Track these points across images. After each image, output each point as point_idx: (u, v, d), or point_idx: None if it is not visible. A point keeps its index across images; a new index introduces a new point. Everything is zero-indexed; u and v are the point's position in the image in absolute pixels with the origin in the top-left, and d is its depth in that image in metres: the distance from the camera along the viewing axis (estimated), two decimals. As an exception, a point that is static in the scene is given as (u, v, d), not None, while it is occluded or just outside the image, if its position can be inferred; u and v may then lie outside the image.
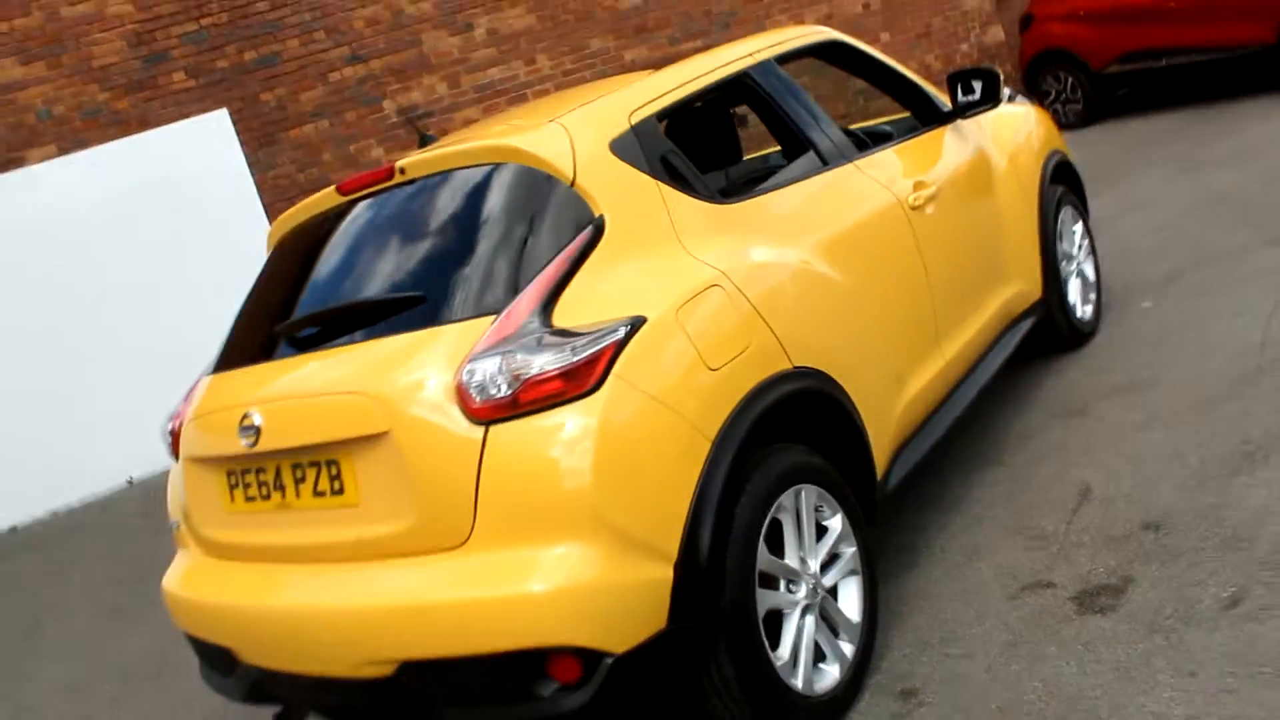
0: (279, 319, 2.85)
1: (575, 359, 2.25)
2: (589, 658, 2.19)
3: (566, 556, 2.19)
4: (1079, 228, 4.71)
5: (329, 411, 2.43)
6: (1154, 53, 8.95)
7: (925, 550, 3.36)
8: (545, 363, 2.24)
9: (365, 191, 2.90)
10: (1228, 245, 5.31)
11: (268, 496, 2.62)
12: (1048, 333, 4.41)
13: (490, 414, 2.25)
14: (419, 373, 2.35)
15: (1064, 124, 10.09)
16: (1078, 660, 2.61)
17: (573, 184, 2.59)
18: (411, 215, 2.79)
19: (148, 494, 7.67)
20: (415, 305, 2.51)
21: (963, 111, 3.95)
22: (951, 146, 3.87)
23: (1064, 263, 4.48)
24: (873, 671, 2.81)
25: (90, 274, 8.07)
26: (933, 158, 3.74)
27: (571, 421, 2.23)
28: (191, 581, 2.90)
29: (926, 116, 4.01)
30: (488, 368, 2.25)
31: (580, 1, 9.69)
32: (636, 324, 2.34)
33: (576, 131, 2.69)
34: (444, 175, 2.75)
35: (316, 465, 2.48)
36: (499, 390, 2.24)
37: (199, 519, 2.87)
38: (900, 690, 2.72)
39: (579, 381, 2.24)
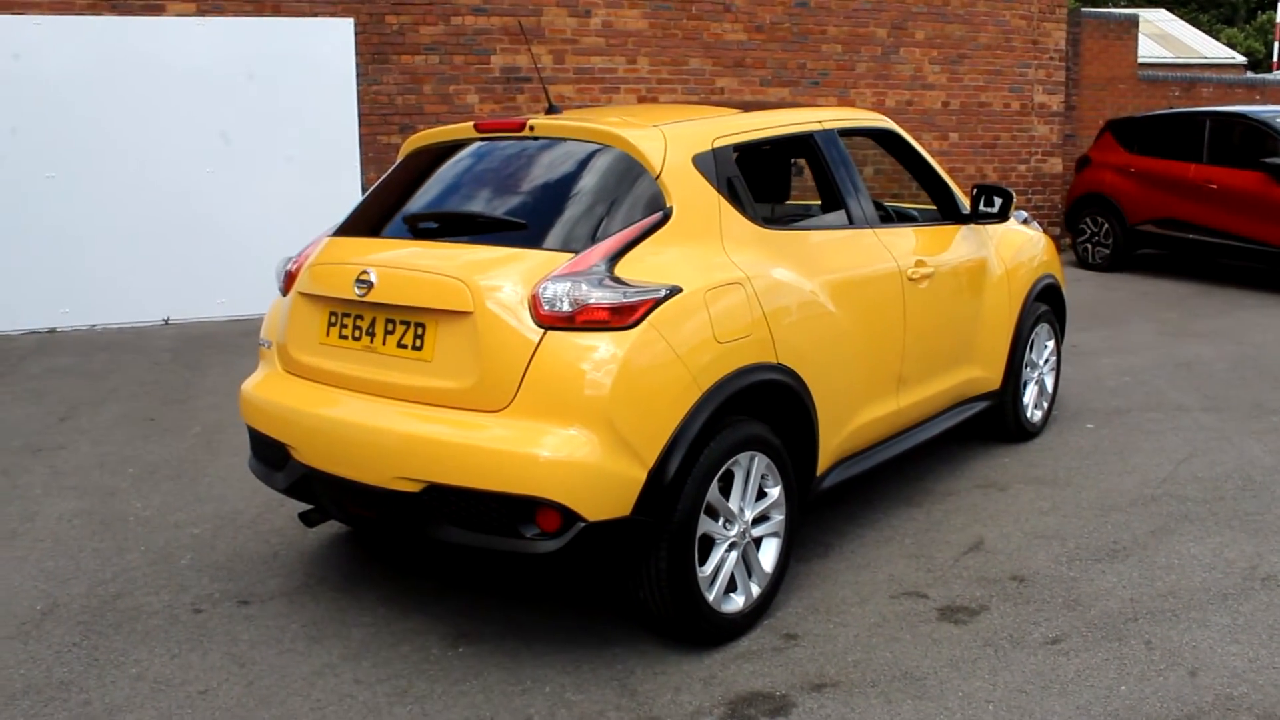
0: (404, 210, 3.61)
1: (623, 301, 2.99)
2: (568, 516, 2.92)
3: (575, 437, 2.93)
4: (1050, 344, 5.46)
5: (431, 286, 3.16)
6: (1185, 225, 9.71)
7: (837, 548, 4.09)
8: (601, 297, 2.99)
9: (496, 134, 3.65)
10: (1175, 401, 6.07)
11: (358, 338, 3.35)
12: (997, 421, 5.14)
13: (550, 321, 3.00)
14: (506, 278, 3.09)
15: (1090, 264, 10.88)
16: (925, 649, 3.34)
17: (657, 177, 3.34)
18: (529, 162, 3.54)
19: (182, 334, 8.42)
20: (516, 229, 3.27)
21: (976, 218, 4.70)
22: (959, 242, 4.63)
23: (1028, 368, 5.23)
24: (767, 616, 3.53)
25: (189, 129, 8.83)
26: (940, 246, 4.49)
27: (607, 345, 2.97)
28: (269, 388, 3.64)
29: (947, 213, 4.76)
30: (559, 289, 3.00)
31: (695, 22, 10.46)
32: (674, 291, 3.09)
33: (670, 140, 3.45)
34: (563, 141, 3.51)
35: (406, 324, 3.22)
36: (562, 307, 2.98)
37: (293, 343, 3.60)
38: (784, 634, 3.45)
39: (621, 318, 2.99)
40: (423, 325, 3.19)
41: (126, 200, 8.75)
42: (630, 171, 3.34)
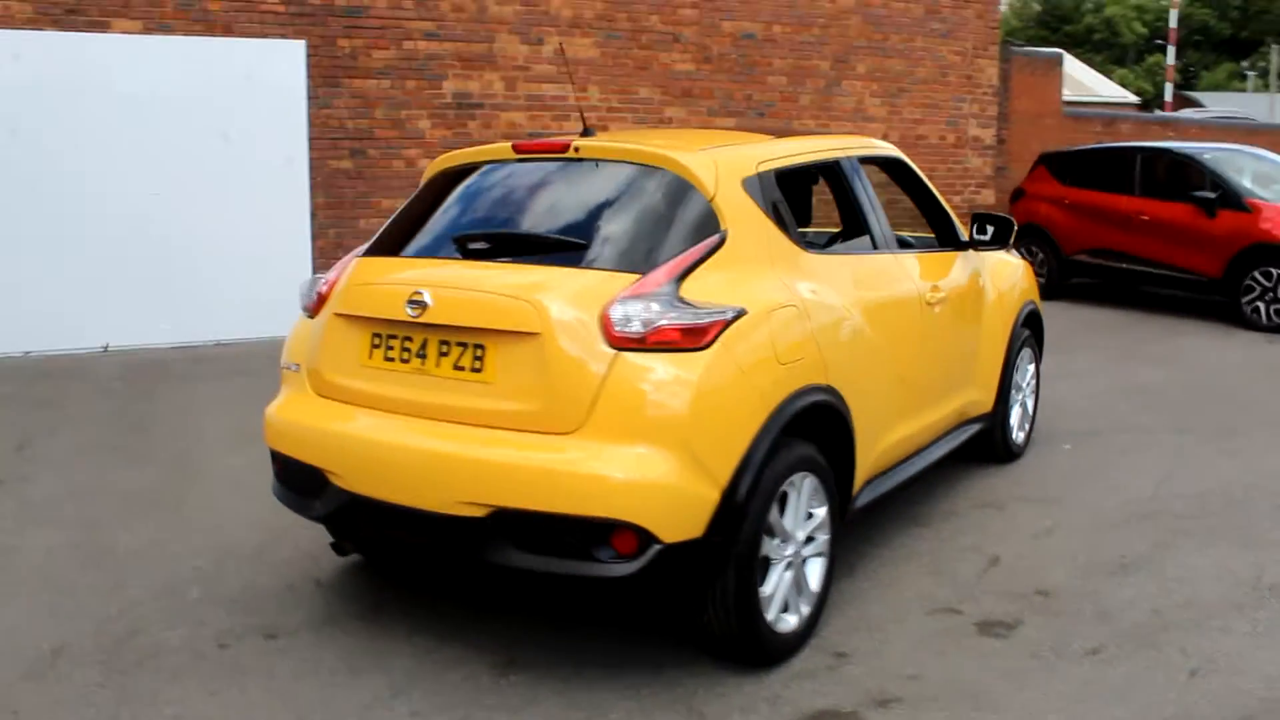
0: (448, 230, 3.55)
1: (696, 322, 3.00)
2: (645, 538, 2.89)
3: (653, 458, 2.91)
4: (1031, 368, 5.64)
5: (494, 307, 3.12)
6: (1119, 255, 10.13)
7: (861, 568, 4.14)
8: (674, 319, 2.99)
9: (536, 155, 3.63)
10: (1140, 423, 6.30)
11: (406, 360, 3.28)
12: (986, 443, 5.27)
13: (622, 343, 2.98)
14: (573, 299, 3.06)
15: (1023, 292, 11.24)
16: (974, 663, 3.40)
17: (711, 200, 3.36)
18: (577, 183, 3.52)
19: (126, 361, 8.11)
20: (575, 249, 3.25)
21: (976, 245, 4.83)
22: (960, 268, 4.75)
23: (1014, 391, 5.38)
24: (814, 636, 3.55)
25: (133, 149, 8.56)
26: (947, 271, 4.61)
27: (683, 366, 2.97)
28: (301, 412, 3.53)
29: (946, 240, 4.89)
30: (630, 310, 2.99)
31: (645, 52, 10.56)
32: (740, 312, 3.11)
33: (720, 163, 3.47)
34: (610, 163, 3.50)
35: (464, 345, 3.16)
36: (634, 328, 2.97)
37: (328, 365, 3.50)
38: (833, 652, 3.47)
39: (694, 339, 2.99)
40: (482, 346, 3.14)
41: (65, 222, 8.42)
42: (684, 194, 3.35)
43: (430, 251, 3.57)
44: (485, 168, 3.76)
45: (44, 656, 3.49)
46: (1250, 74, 43.71)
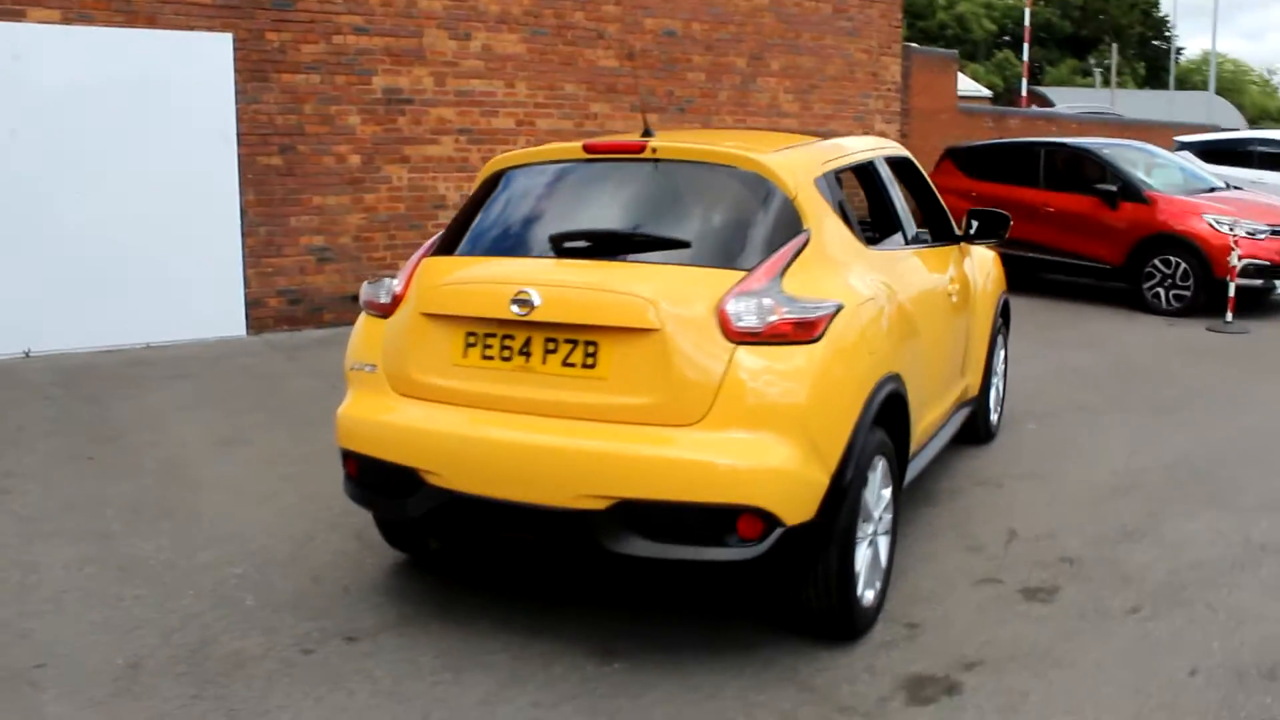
0: (534, 230, 3.61)
1: (808, 316, 3.16)
2: (769, 522, 3.05)
3: (775, 446, 3.07)
4: (1002, 354, 6.01)
5: (610, 305, 3.21)
6: (1025, 244, 10.73)
7: (898, 546, 4.37)
8: (786, 313, 3.14)
9: (609, 156, 3.72)
10: (1086, 403, 6.78)
11: (508, 358, 3.34)
12: (969, 425, 5.60)
13: (740, 337, 3.12)
14: (689, 296, 3.19)
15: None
16: (1031, 626, 3.68)
17: (794, 199, 3.52)
18: (662, 183, 3.63)
19: (56, 366, 7.75)
20: (676, 247, 3.37)
21: (970, 238, 5.14)
22: (960, 261, 5.05)
23: (993, 375, 5.74)
24: (884, 609, 3.77)
25: (51, 145, 8.17)
26: (954, 264, 4.90)
27: (799, 357, 3.14)
28: (386, 412, 3.54)
29: (941, 235, 5.17)
30: (746, 305, 3.13)
31: (570, 48, 10.62)
32: (839, 307, 3.28)
33: (796, 164, 3.65)
34: (691, 164, 3.63)
35: (573, 343, 3.24)
36: (750, 322, 3.12)
37: (414, 365, 3.51)
38: (904, 623, 3.69)
39: (806, 332, 3.15)
40: (594, 344, 3.22)
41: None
42: (769, 193, 3.51)
43: (521, 250, 3.62)
44: (556, 167, 3.83)
45: (122, 671, 3.41)
46: (1097, 70, 46.45)
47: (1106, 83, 44.50)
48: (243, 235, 9.06)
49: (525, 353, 3.32)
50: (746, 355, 3.11)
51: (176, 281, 8.69)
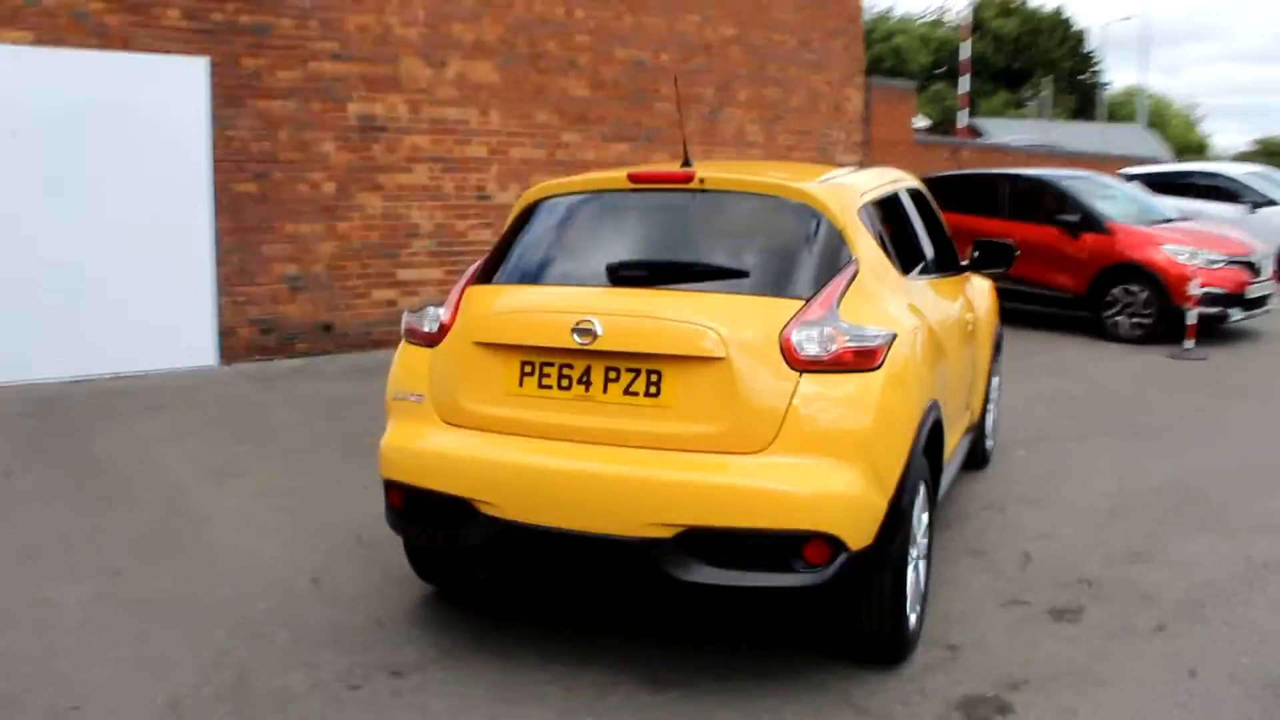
0: (585, 258, 3.64)
1: (868, 345, 3.23)
2: (836, 547, 3.10)
3: (840, 471, 3.12)
4: (996, 381, 6.15)
5: (675, 334, 3.24)
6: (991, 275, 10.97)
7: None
8: (848, 341, 3.20)
9: (655, 185, 3.76)
10: (1068, 428, 6.96)
11: (566, 387, 3.35)
12: (970, 450, 5.72)
13: (804, 366, 3.18)
14: (753, 325, 3.24)
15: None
16: (1064, 645, 3.77)
17: (842, 230, 3.60)
18: (713, 213, 3.69)
19: (26, 398, 7.55)
20: (737, 276, 3.43)
21: (979, 268, 5.27)
22: (968, 290, 5.18)
23: (990, 402, 5.87)
24: (921, 632, 3.83)
25: (21, 170, 7.99)
26: (964, 293, 5.02)
27: (862, 385, 3.20)
28: (438, 443, 3.52)
29: (947, 265, 5.29)
30: (809, 334, 3.19)
31: (543, 76, 10.68)
32: (894, 335, 3.36)
33: (841, 194, 3.74)
34: (739, 194, 3.69)
35: (635, 371, 3.26)
36: (814, 350, 3.18)
37: (466, 394, 3.51)
38: (944, 645, 3.76)
39: (867, 360, 3.22)
40: (657, 372, 3.25)
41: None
42: (819, 223, 3.58)
43: (575, 279, 3.64)
44: (600, 196, 3.87)
45: (163, 711, 3.35)
46: (1033, 102, 47.81)
47: (1040, 114, 45.81)
48: (216, 263, 8.92)
49: (585, 381, 3.33)
50: (810, 383, 3.17)
51: (147, 310, 8.53)
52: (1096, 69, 55.46)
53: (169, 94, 8.59)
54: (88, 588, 4.29)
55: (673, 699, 3.40)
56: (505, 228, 4.02)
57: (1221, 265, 9.77)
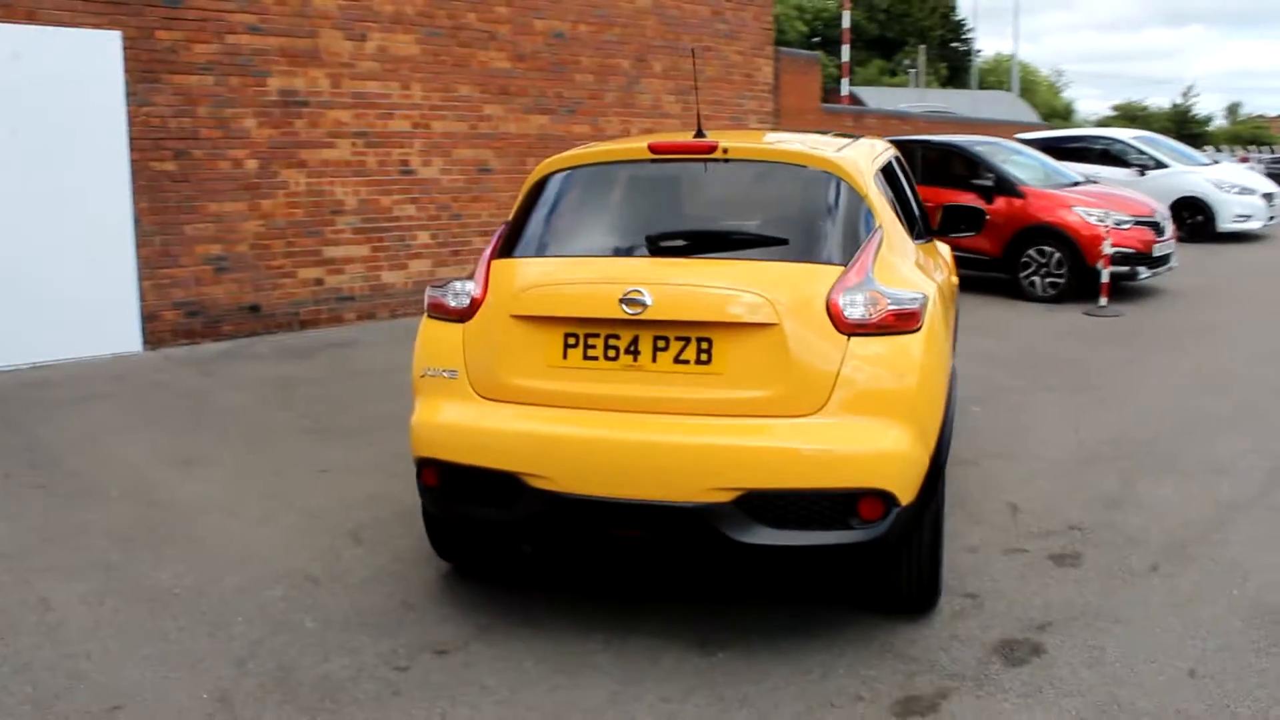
0: (623, 228, 3.65)
1: (909, 307, 3.34)
2: (889, 502, 3.21)
3: (890, 429, 3.23)
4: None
5: (726, 301, 3.29)
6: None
7: (919, 524, 4.63)
8: (890, 304, 3.30)
9: (676, 156, 3.79)
10: (1013, 385, 7.27)
11: (613, 358, 3.37)
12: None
13: (851, 329, 3.27)
14: (801, 291, 3.31)
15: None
16: (1072, 588, 3.98)
17: (865, 197, 3.70)
18: (740, 182, 3.74)
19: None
20: (777, 244, 3.49)
21: (944, 232, 5.46)
22: (942, 255, 5.36)
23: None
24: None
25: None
26: (940, 256, 5.20)
27: (906, 346, 3.31)
28: (476, 418, 3.49)
29: (919, 231, 5.46)
30: (855, 298, 3.28)
31: (464, 49, 10.51)
32: (927, 297, 3.47)
33: (859, 163, 3.82)
34: (764, 164, 3.74)
35: (685, 340, 3.30)
36: (862, 314, 3.27)
37: (506, 369, 3.48)
38: (962, 594, 3.93)
39: (908, 322, 3.33)
40: (708, 340, 3.29)
41: None
42: (845, 191, 3.66)
43: (612, 250, 3.66)
44: (621, 167, 3.87)
45: (213, 706, 3.27)
46: (911, 70, 49.04)
47: (915, 83, 47.04)
48: (136, 246, 8.56)
49: (633, 351, 3.36)
50: (859, 345, 3.27)
51: (66, 296, 8.15)
52: (967, 37, 57.24)
53: (81, 69, 8.17)
54: (87, 585, 4.13)
55: (725, 659, 3.48)
56: (519, 201, 3.99)
57: (1130, 225, 10.29)
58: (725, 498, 3.19)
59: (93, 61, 8.23)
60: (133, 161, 8.50)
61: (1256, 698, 3.21)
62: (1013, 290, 10.74)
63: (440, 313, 3.72)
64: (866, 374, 3.26)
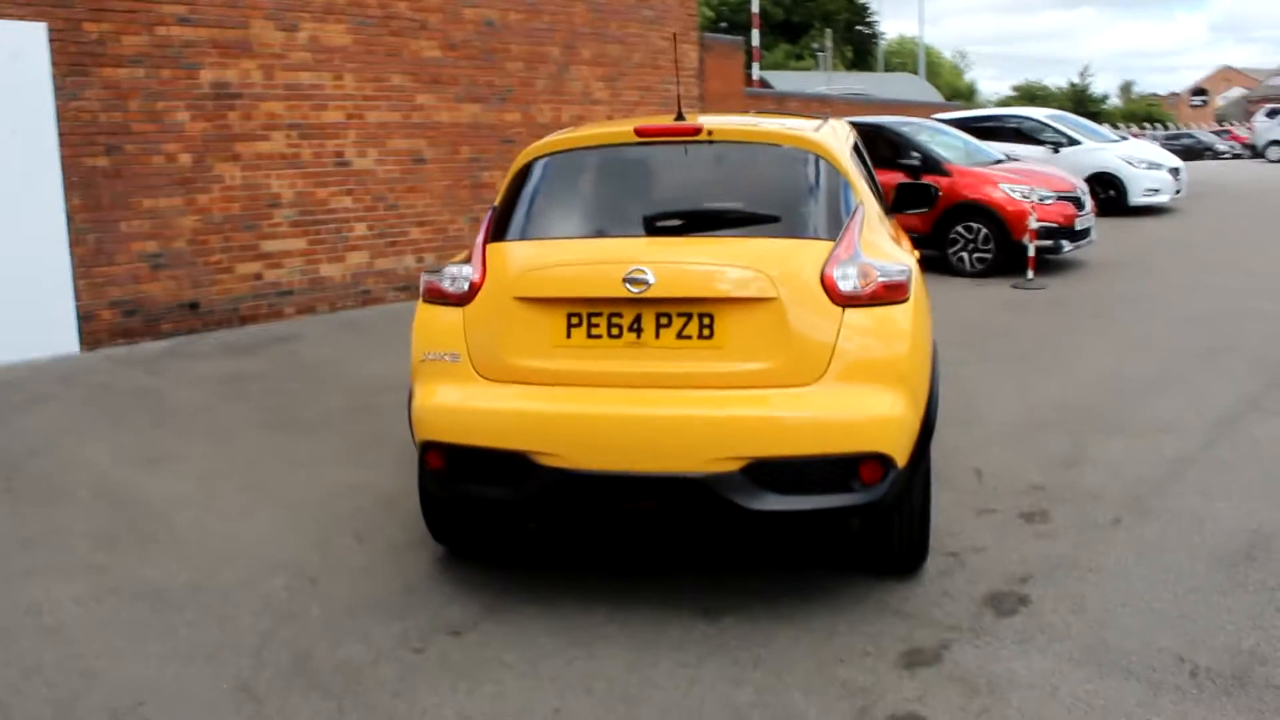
0: (617, 209, 3.76)
1: (897, 279, 3.51)
2: (887, 465, 3.38)
3: (885, 395, 3.40)
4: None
5: (730, 278, 3.42)
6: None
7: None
8: (879, 276, 3.47)
9: (662, 139, 3.90)
10: (953, 354, 7.46)
11: (616, 335, 3.47)
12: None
13: (845, 301, 3.43)
14: (797, 266, 3.45)
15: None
16: (1045, 543, 4.22)
17: (846, 175, 3.86)
18: (727, 162, 3.88)
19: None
20: (770, 221, 3.63)
21: (898, 209, 5.66)
22: (903, 231, 5.56)
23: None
24: (919, 544, 4.19)
25: None
26: (903, 232, 5.40)
27: (897, 315, 3.49)
28: (483, 399, 3.57)
29: (885, 208, 5.65)
30: (849, 271, 3.44)
31: (395, 38, 10.45)
32: (910, 270, 3.65)
33: (836, 142, 3.99)
34: (747, 144, 3.88)
35: (687, 316, 3.42)
36: (854, 287, 3.43)
37: (509, 350, 3.56)
38: (944, 553, 4.14)
39: (897, 293, 3.50)
40: (709, 315, 3.42)
41: None
42: (827, 170, 3.83)
43: (609, 231, 3.77)
44: (608, 150, 3.97)
45: (238, 696, 3.30)
46: (820, 54, 49.76)
47: (821, 66, 47.78)
48: (70, 244, 8.36)
49: (636, 329, 3.47)
50: (853, 317, 3.43)
51: None
52: (872, 21, 58.28)
53: (5, 63, 7.93)
54: (79, 587, 4.09)
55: (730, 625, 3.62)
56: (506, 186, 4.06)
57: (1052, 201, 10.71)
58: (733, 467, 3.33)
59: (18, 54, 7.99)
60: (64, 157, 8.29)
61: (1228, 631, 3.47)
62: (942, 266, 11.10)
63: (438, 297, 3.78)
64: (861, 344, 3.42)
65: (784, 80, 43.14)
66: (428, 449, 3.70)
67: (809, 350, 3.40)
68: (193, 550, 4.43)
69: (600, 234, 3.78)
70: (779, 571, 4.03)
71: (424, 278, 3.85)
